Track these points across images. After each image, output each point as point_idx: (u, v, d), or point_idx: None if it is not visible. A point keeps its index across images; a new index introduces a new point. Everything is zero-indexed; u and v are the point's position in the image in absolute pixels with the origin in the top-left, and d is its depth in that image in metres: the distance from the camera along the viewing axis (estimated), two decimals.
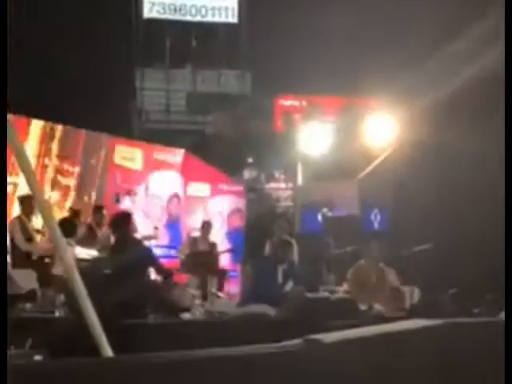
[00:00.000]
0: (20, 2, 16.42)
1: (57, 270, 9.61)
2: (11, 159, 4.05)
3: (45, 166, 12.44)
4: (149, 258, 9.22)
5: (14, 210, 11.03)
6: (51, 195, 12.38)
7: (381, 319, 8.18)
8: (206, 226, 12.96)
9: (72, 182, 12.89)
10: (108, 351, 3.82)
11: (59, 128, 12.77)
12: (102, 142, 13.58)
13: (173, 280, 9.84)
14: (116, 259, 9.21)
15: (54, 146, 12.57)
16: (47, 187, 12.35)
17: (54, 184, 12.55)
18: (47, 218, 4.29)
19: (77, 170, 12.98)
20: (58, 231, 4.37)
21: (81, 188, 13.04)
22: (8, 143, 3.80)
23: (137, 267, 8.90)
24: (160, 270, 9.41)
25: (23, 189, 10.51)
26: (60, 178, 12.68)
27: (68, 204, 12.74)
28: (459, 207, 12.60)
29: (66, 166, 12.78)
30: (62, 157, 12.68)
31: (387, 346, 3.53)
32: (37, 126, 12.38)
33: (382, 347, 3.51)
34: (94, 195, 13.20)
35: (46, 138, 12.44)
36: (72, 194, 12.87)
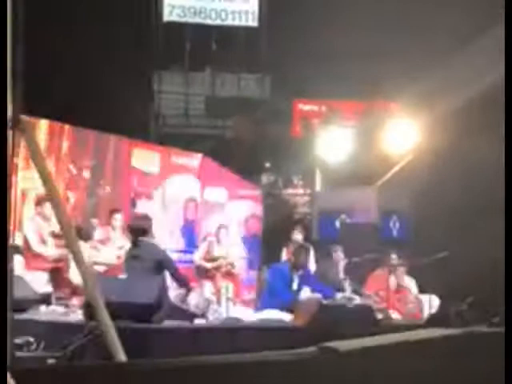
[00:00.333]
0: (39, 2, 16.41)
1: (72, 274, 9.55)
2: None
3: (58, 165, 12.29)
4: (165, 263, 9.18)
5: (30, 210, 10.92)
6: (68, 195, 12.26)
7: (398, 327, 8.09)
8: (223, 232, 12.91)
9: (87, 176, 12.73)
10: (122, 356, 3.80)
11: (67, 126, 12.60)
12: (112, 141, 13.38)
13: (188, 285, 9.79)
14: (132, 264, 9.17)
15: (65, 144, 12.42)
16: (62, 187, 12.19)
17: (70, 184, 12.43)
18: (63, 221, 4.26)
19: (91, 165, 12.81)
20: (74, 234, 4.32)
21: (95, 187, 12.90)
22: (26, 144, 3.80)
23: (152, 272, 8.85)
24: (176, 275, 9.36)
25: (38, 184, 10.34)
26: (74, 177, 12.54)
27: (82, 203, 12.61)
28: (480, 215, 12.47)
29: (79, 164, 12.63)
30: (74, 155, 12.52)
31: (405, 354, 3.51)
32: (45, 124, 12.20)
33: (400, 356, 3.47)
34: (108, 195, 13.06)
35: (56, 135, 12.28)
36: (86, 194, 12.73)
